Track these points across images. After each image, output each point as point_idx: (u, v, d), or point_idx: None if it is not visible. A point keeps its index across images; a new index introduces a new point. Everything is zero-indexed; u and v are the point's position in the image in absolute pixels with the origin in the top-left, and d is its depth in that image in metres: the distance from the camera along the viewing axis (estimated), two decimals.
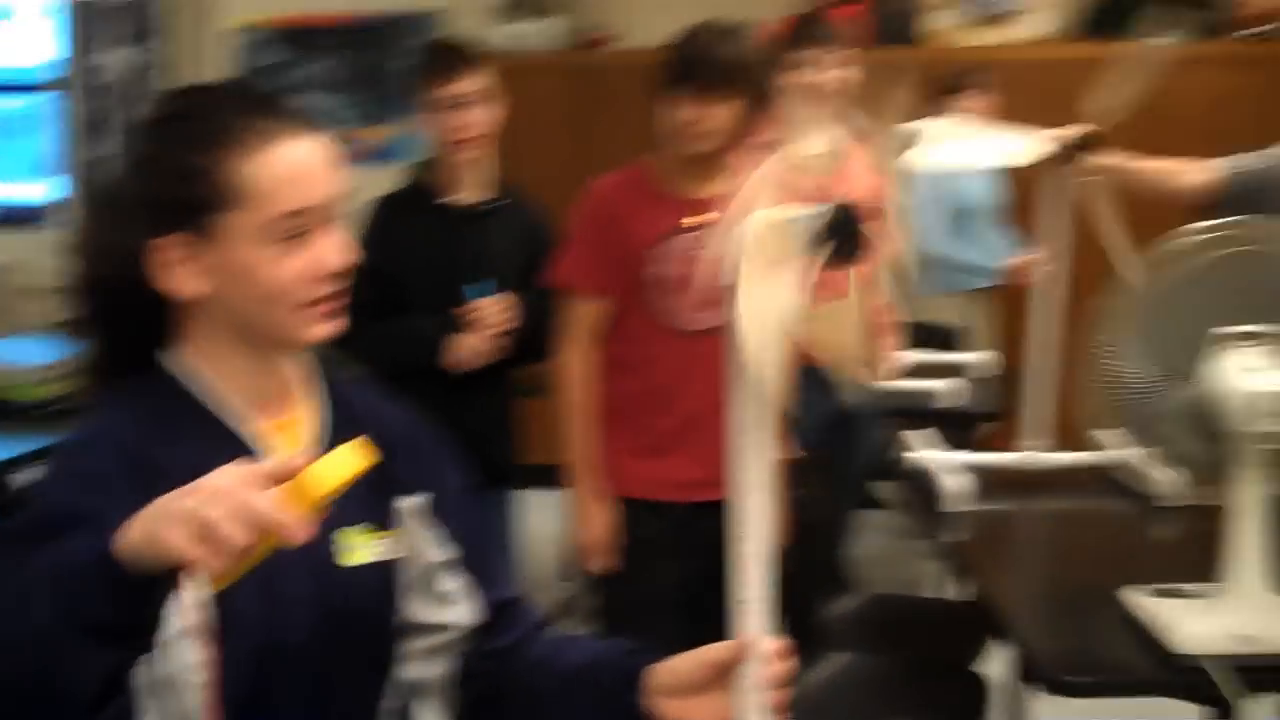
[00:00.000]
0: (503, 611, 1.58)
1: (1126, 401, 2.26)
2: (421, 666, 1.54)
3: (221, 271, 1.38)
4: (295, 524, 1.16)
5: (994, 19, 5.56)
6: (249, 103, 1.41)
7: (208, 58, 6.72)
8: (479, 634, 1.55)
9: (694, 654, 1.53)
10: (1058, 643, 2.20)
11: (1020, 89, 5.10)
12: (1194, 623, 2.08)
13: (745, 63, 2.73)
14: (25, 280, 6.38)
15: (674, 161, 2.81)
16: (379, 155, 6.46)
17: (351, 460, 1.23)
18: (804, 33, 3.48)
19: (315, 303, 1.40)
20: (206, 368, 1.43)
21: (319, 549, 1.39)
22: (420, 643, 1.53)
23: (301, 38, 6.68)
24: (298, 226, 1.37)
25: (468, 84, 3.11)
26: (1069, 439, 3.12)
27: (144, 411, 1.40)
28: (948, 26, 5.57)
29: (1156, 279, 2.22)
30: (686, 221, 2.75)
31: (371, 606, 1.46)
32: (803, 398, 3.23)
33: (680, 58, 2.70)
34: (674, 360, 2.79)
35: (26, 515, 1.33)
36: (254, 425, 1.44)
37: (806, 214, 1.40)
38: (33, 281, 6.15)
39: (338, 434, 1.45)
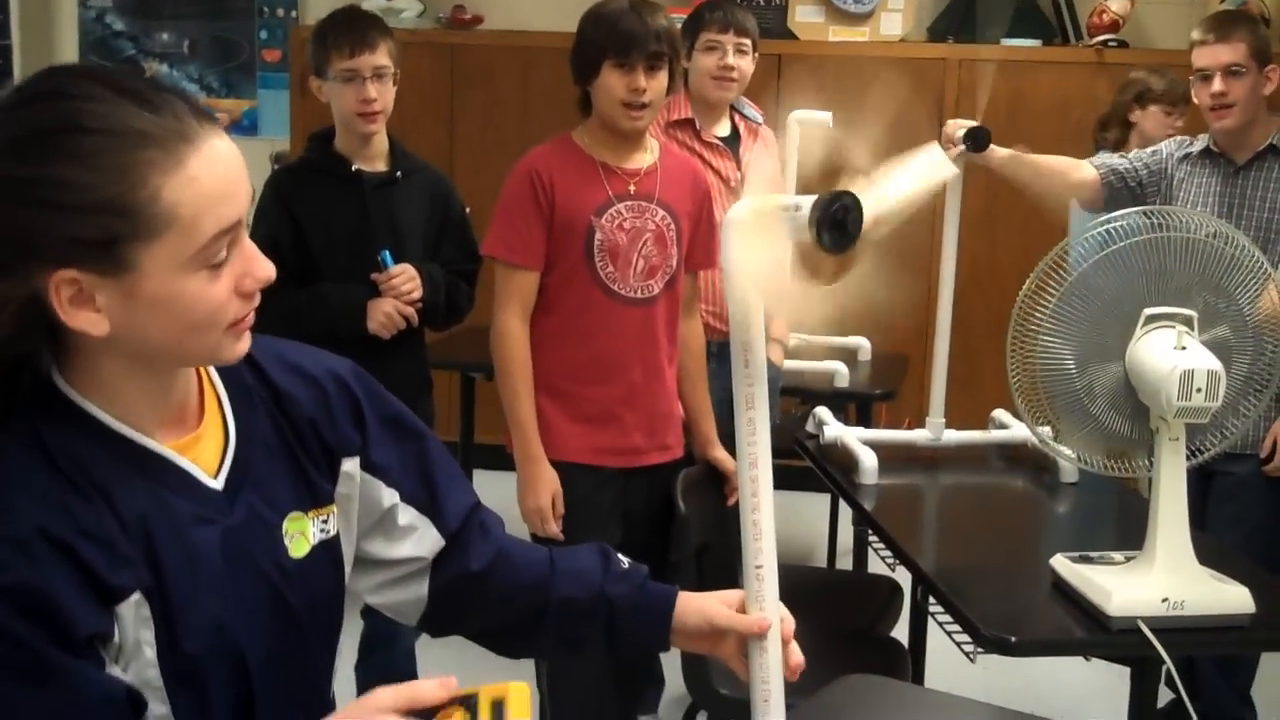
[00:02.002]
0: (466, 525, 1.55)
1: (1048, 382, 2.37)
2: (393, 593, 1.54)
3: (136, 303, 1.19)
4: None
5: (853, 17, 5.71)
6: (148, 103, 1.18)
7: (50, 21, 6.51)
8: (449, 555, 1.54)
9: (707, 610, 1.56)
10: (995, 606, 2.28)
11: (877, 85, 5.29)
12: (1126, 588, 2.20)
13: (676, 34, 2.82)
14: None
15: (602, 134, 2.86)
16: (237, 129, 6.34)
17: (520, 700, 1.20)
18: (711, 16, 3.53)
19: (236, 322, 1.26)
20: (103, 393, 1.26)
21: (270, 549, 1.35)
22: (387, 574, 1.52)
23: (146, 6, 6.49)
24: (222, 246, 1.21)
25: (381, 56, 3.09)
26: (965, 419, 3.28)
27: (54, 444, 1.22)
28: (814, 23, 5.71)
29: (1075, 265, 2.34)
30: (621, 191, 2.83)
31: (324, 595, 1.42)
32: (710, 371, 3.32)
33: (625, 30, 2.75)
34: (617, 328, 2.84)
35: None
36: (169, 444, 1.30)
37: (802, 200, 1.44)
38: None
39: (244, 430, 1.37)
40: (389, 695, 1.20)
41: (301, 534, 1.39)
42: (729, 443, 3.16)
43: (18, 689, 1.14)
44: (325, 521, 1.42)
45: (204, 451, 1.33)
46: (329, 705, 1.45)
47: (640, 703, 3.51)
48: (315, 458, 1.43)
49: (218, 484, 1.32)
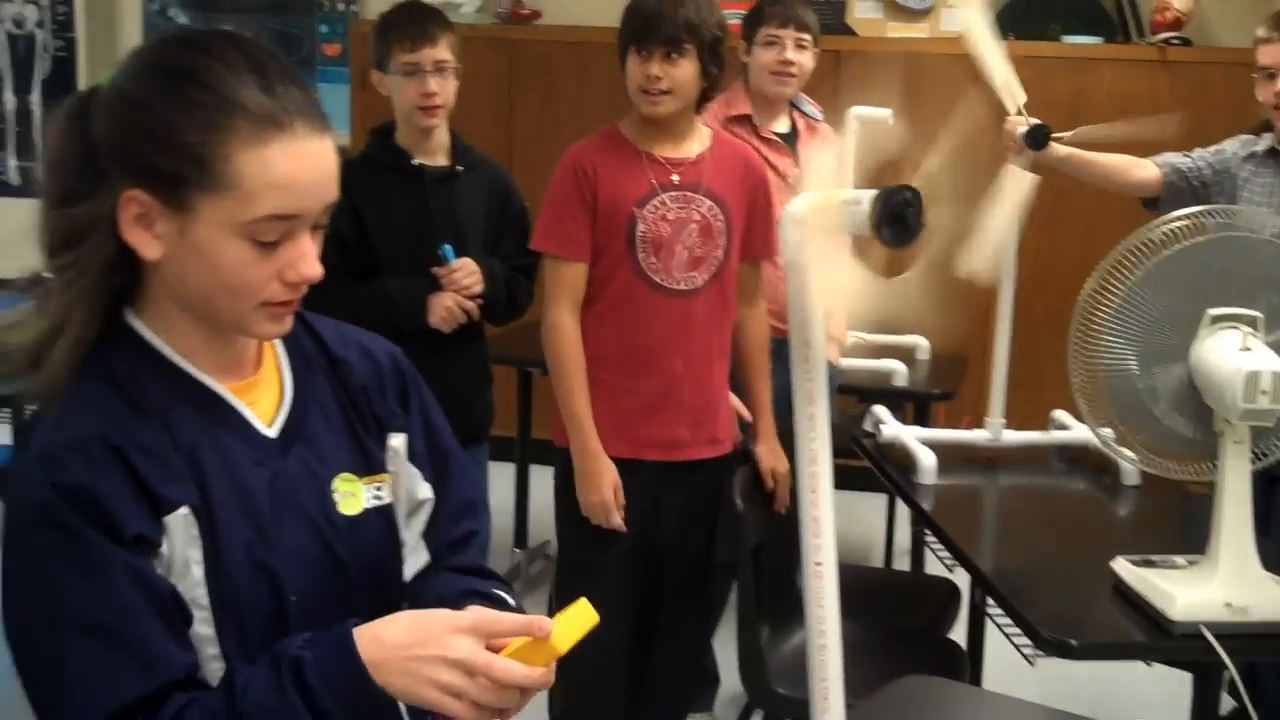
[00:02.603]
0: (445, 554, 1.56)
1: (1110, 383, 2.34)
2: None
3: (183, 244, 1.29)
4: (542, 681, 1.26)
5: (912, 13, 5.68)
6: (264, 83, 1.28)
7: (113, 13, 6.58)
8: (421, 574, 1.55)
9: None
10: (1055, 609, 2.27)
11: (940, 83, 5.25)
12: (1189, 593, 2.18)
13: (704, 22, 2.78)
14: None
15: (643, 122, 2.85)
16: None
17: (583, 618, 1.31)
18: (770, 11, 3.52)
19: (272, 303, 1.33)
20: (167, 330, 1.36)
21: (319, 500, 1.40)
22: None
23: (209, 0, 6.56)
24: (275, 230, 1.29)
25: (443, 50, 3.10)
26: (1025, 420, 3.25)
27: (121, 374, 1.33)
28: (873, 19, 5.68)
29: (1136, 265, 2.31)
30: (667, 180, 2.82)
31: (376, 555, 1.45)
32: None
33: (643, 16, 2.75)
34: (658, 320, 2.83)
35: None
36: (222, 384, 1.38)
37: (862, 195, 1.43)
38: None
39: (301, 388, 1.44)
40: (467, 618, 1.27)
41: (353, 495, 1.43)
42: (787, 439, 3.16)
43: (67, 577, 1.24)
44: (379, 489, 1.46)
45: (260, 400, 1.40)
46: None
47: (695, 701, 3.51)
48: (369, 426, 1.48)
49: (271, 432, 1.39)
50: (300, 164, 1.28)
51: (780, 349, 3.51)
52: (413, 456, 1.51)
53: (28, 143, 6.56)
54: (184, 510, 1.29)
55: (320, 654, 1.24)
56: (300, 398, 1.44)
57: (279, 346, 1.46)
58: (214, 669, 1.31)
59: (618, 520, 2.83)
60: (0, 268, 5.54)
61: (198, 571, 1.30)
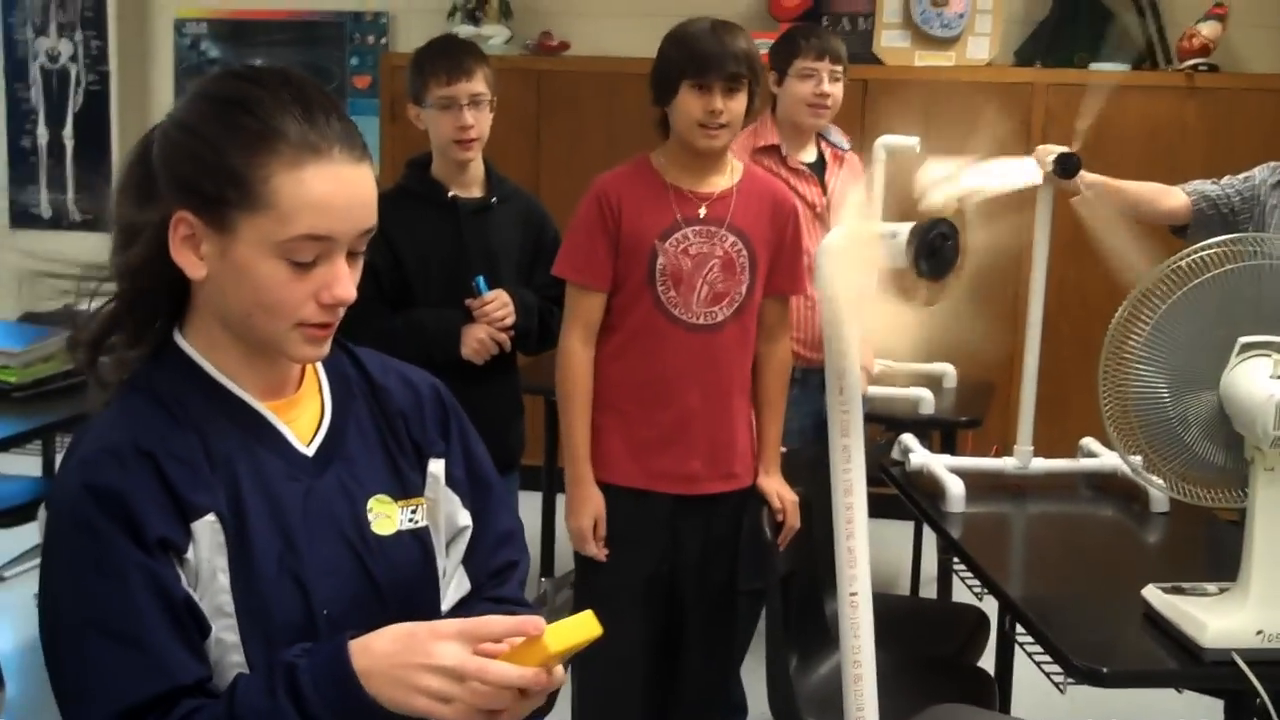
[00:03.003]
0: (490, 578, 1.58)
1: (1140, 411, 2.34)
2: None
3: (225, 264, 1.35)
4: (535, 681, 1.27)
5: (939, 42, 5.70)
6: (307, 113, 1.35)
7: (146, 48, 6.65)
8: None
9: None
10: (1085, 636, 2.26)
11: (967, 110, 5.26)
12: (1220, 620, 2.18)
13: (755, 56, 2.82)
14: None
15: (679, 156, 2.86)
16: None
17: (584, 627, 1.31)
18: (806, 45, 3.54)
19: (308, 325, 1.38)
20: (212, 350, 1.42)
21: (354, 518, 1.43)
22: None
23: (240, 33, 6.62)
24: (310, 251, 1.34)
25: (478, 84, 3.12)
26: (1051, 448, 3.25)
27: (163, 389, 1.39)
28: (900, 48, 5.70)
29: (1167, 293, 2.31)
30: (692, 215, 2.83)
31: (409, 576, 1.47)
32: (791, 397, 3.32)
33: (702, 51, 2.76)
34: (675, 353, 2.84)
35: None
36: (266, 404, 1.44)
37: (898, 228, 1.45)
38: None
39: (340, 410, 1.48)
40: (455, 624, 1.29)
41: (388, 516, 1.47)
42: (810, 469, 3.16)
43: (88, 578, 1.30)
44: (414, 512, 1.49)
45: (299, 420, 1.45)
46: None
47: None
48: (406, 451, 1.51)
49: (309, 451, 1.43)
50: (335, 188, 1.34)
51: (806, 378, 3.53)
52: (451, 483, 1.54)
53: (60, 176, 6.62)
54: (211, 517, 1.34)
55: (314, 662, 1.27)
56: (339, 419, 1.47)
57: (321, 371, 1.50)
58: (235, 676, 1.34)
59: (593, 550, 2.86)
60: (34, 298, 5.61)
61: (223, 579, 1.34)
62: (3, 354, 3.75)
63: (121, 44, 6.55)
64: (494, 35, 5.95)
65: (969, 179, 2.73)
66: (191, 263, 1.37)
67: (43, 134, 6.63)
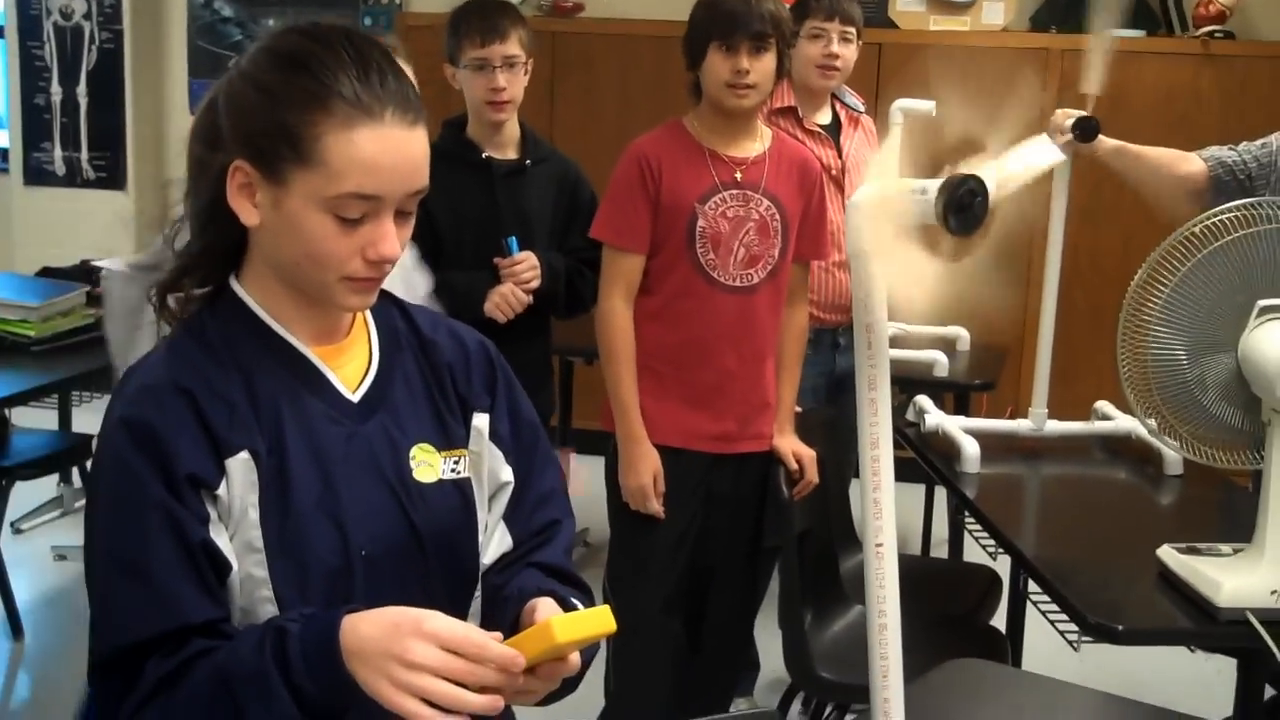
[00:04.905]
0: (533, 536, 1.59)
1: (1158, 374, 2.36)
2: None
3: (277, 214, 1.39)
4: (513, 666, 1.26)
5: (954, 6, 5.69)
6: (364, 74, 1.38)
7: (160, 6, 6.65)
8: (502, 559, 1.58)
9: None
10: (1099, 595, 2.29)
11: (980, 75, 5.26)
12: (1235, 579, 2.20)
13: (783, 16, 2.84)
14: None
15: (712, 119, 2.88)
16: None
17: (597, 621, 1.30)
18: (817, 5, 3.54)
19: (354, 278, 1.41)
20: (265, 296, 1.46)
21: (396, 464, 1.46)
22: None
23: None
24: (357, 208, 1.37)
25: (512, 45, 3.11)
26: (1064, 411, 3.27)
27: (214, 333, 1.43)
28: (915, 11, 5.70)
29: (1185, 256, 2.33)
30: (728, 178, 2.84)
31: (449, 525, 1.49)
32: (805, 358, 3.33)
33: (727, 11, 2.78)
34: (714, 315, 2.86)
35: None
36: (314, 349, 1.47)
37: (928, 184, 1.46)
38: None
39: (388, 361, 1.51)
40: (443, 624, 1.27)
41: (430, 464, 1.49)
42: (823, 429, 3.19)
43: (112, 513, 1.35)
44: (457, 463, 1.52)
45: (346, 367, 1.48)
46: None
47: (736, 686, 3.54)
48: (451, 403, 1.54)
49: (354, 397, 1.46)
50: (384, 149, 1.37)
51: (819, 338, 3.55)
52: (495, 438, 1.56)
53: (74, 134, 6.63)
54: (245, 455, 1.37)
55: (306, 630, 1.28)
56: (386, 369, 1.50)
57: (371, 323, 1.53)
58: (267, 611, 1.37)
59: (655, 506, 2.87)
60: (50, 256, 5.62)
61: (253, 514, 1.37)
62: (21, 308, 3.78)
63: (134, 4, 6.55)
64: None
65: (995, 176, 2.73)
66: (246, 210, 1.41)
67: (56, 91, 6.63)
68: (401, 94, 1.39)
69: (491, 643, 1.26)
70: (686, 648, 3.03)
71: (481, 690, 1.26)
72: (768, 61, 2.80)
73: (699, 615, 3.06)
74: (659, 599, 2.93)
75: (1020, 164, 2.85)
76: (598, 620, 1.30)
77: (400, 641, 1.25)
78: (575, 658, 1.33)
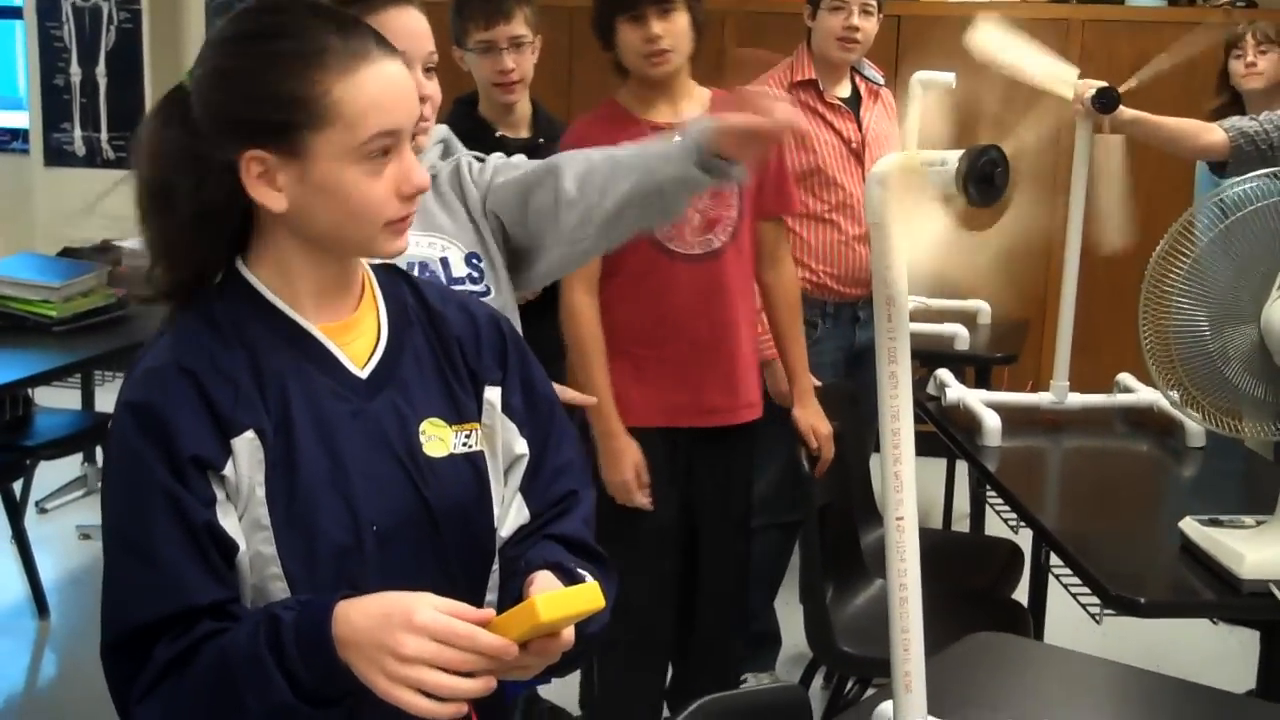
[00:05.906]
0: (551, 507, 1.58)
1: (1181, 345, 2.35)
2: None
3: (307, 187, 1.38)
4: (506, 653, 1.26)
5: None
6: (337, 24, 1.39)
7: None
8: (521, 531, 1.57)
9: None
10: (1122, 567, 2.28)
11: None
12: (1257, 551, 2.19)
13: None
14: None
15: (641, 91, 2.83)
16: None
17: (585, 598, 1.29)
18: None
19: (394, 220, 1.42)
20: (273, 274, 1.45)
21: (405, 439, 1.45)
22: None
23: None
24: (385, 146, 1.38)
25: (518, 25, 3.10)
26: (1084, 384, 3.26)
27: (221, 314, 1.43)
28: None
29: (1207, 227, 2.31)
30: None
31: (462, 499, 1.48)
32: (823, 332, 3.32)
33: None
34: (680, 287, 2.81)
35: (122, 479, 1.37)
36: (320, 325, 1.46)
37: (948, 155, 1.45)
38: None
39: (396, 337, 1.50)
40: (432, 616, 1.26)
41: (440, 439, 1.48)
42: (843, 403, 3.18)
43: (119, 495, 1.37)
44: (469, 437, 1.51)
45: (354, 344, 1.47)
46: None
47: (757, 661, 3.55)
48: (461, 377, 1.52)
49: (362, 374, 1.46)
50: (387, 82, 1.39)
51: (839, 312, 3.54)
52: (508, 411, 1.54)
53: (93, 114, 6.64)
54: (250, 434, 1.37)
55: (300, 618, 1.28)
56: (394, 345, 1.49)
57: (379, 298, 1.52)
58: (277, 589, 1.37)
59: (642, 500, 2.81)
60: (71, 236, 5.62)
61: (260, 492, 1.36)
62: (43, 289, 3.80)
63: None
64: None
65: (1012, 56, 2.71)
66: (271, 197, 1.39)
67: (75, 72, 6.64)
68: (378, 36, 1.42)
69: (481, 632, 1.26)
70: (680, 630, 3.00)
71: (476, 673, 1.26)
72: (678, 21, 2.73)
73: (691, 594, 3.01)
74: (655, 582, 2.89)
75: (1037, 67, 2.87)
76: (584, 597, 1.30)
77: (392, 634, 1.24)
78: (569, 633, 1.32)
